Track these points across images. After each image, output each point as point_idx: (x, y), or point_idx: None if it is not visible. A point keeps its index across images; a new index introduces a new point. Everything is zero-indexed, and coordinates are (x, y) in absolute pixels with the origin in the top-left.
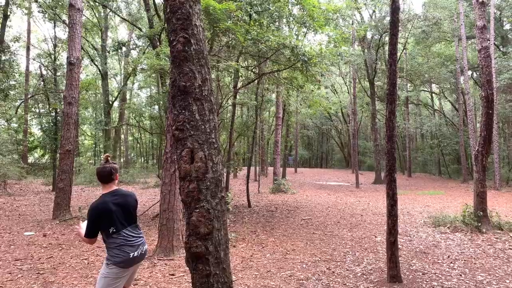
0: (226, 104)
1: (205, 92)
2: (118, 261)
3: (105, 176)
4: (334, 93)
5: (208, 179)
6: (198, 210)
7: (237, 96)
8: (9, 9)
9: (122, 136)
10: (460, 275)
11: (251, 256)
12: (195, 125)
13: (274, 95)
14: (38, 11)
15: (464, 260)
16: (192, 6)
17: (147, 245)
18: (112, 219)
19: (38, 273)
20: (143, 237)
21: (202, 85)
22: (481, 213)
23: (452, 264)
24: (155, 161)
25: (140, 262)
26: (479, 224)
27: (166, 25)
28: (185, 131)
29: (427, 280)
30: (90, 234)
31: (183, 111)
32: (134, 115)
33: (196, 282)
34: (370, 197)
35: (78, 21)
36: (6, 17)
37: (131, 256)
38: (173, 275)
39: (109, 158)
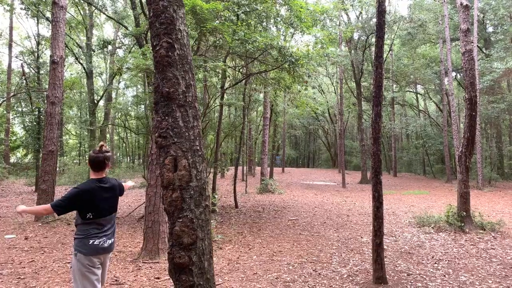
0: (213, 104)
1: (189, 98)
2: (84, 250)
3: (98, 163)
4: (321, 93)
5: (192, 187)
6: (181, 220)
7: (225, 96)
8: None
9: (108, 136)
10: (444, 276)
11: (238, 258)
12: (179, 132)
13: (261, 95)
14: (21, 8)
15: (448, 261)
16: (176, 10)
17: (130, 248)
18: (91, 205)
19: (19, 277)
20: (114, 229)
21: (186, 91)
22: (464, 213)
23: (436, 265)
24: (141, 161)
25: (108, 256)
26: (462, 224)
27: (149, 29)
28: (168, 138)
29: (412, 281)
30: (62, 209)
31: (166, 117)
32: (120, 114)
33: None
34: (356, 197)
35: (62, 19)
36: None
37: (95, 243)
38: (158, 278)
39: (103, 147)
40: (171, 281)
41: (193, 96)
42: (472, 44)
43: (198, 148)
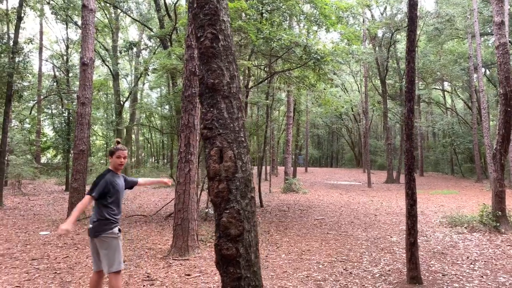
0: None
1: (233, 89)
2: None
3: None
4: (344, 91)
5: (237, 178)
6: (228, 211)
7: (248, 96)
8: (23, 11)
9: (133, 136)
10: (482, 277)
11: (266, 256)
12: (224, 124)
13: (283, 94)
14: (51, 13)
15: (484, 261)
16: (219, 1)
17: (160, 245)
18: None
19: (55, 272)
20: (94, 216)
21: (230, 82)
22: (500, 213)
23: (472, 265)
24: (165, 161)
25: (98, 242)
26: (498, 224)
27: (193, 20)
28: (213, 129)
29: (448, 282)
30: None
31: (211, 109)
32: (145, 115)
33: (226, 286)
34: (382, 197)
35: (91, 21)
36: (20, 18)
37: None
38: (189, 275)
39: (116, 142)
40: (201, 278)
41: (237, 87)
42: (506, 37)
43: (243, 139)
